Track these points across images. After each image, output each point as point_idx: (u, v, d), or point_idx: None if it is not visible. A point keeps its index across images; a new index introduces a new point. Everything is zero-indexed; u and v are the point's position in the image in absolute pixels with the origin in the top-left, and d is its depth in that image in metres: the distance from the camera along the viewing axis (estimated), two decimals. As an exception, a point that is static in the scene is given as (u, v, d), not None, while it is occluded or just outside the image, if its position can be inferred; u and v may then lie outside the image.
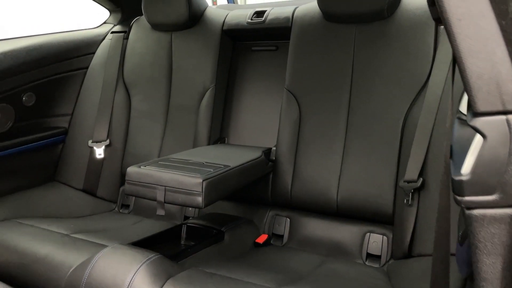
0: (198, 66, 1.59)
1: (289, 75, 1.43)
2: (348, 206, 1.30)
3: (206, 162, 1.24)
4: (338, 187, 1.31)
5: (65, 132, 1.72)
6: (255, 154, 1.36)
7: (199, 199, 1.08)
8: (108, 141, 1.67)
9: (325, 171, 1.33)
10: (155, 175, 1.14)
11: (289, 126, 1.41)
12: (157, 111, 1.65)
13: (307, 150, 1.37)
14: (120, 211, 1.66)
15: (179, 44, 1.64)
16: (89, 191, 1.67)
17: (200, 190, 1.08)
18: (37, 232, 1.29)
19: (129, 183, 1.18)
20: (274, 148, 1.44)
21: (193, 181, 1.09)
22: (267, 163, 1.40)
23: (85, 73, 1.75)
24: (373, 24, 1.32)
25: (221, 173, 1.15)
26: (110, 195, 1.68)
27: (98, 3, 1.82)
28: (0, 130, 1.51)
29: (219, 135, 1.59)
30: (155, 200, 1.14)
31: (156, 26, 1.67)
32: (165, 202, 1.13)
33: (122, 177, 1.68)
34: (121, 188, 1.69)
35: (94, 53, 1.77)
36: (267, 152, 1.44)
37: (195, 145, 1.56)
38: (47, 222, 1.40)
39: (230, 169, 1.20)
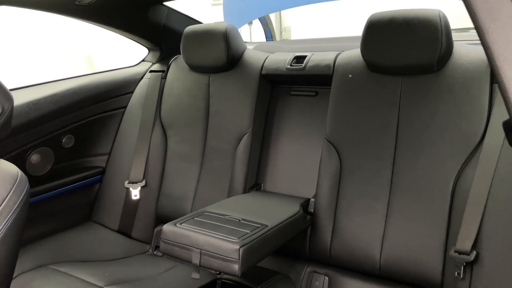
0: (235, 110, 1.56)
1: (330, 125, 1.37)
2: (392, 269, 1.22)
3: (243, 219, 1.20)
4: (381, 248, 1.24)
5: (103, 172, 1.73)
6: (293, 209, 1.31)
7: (236, 267, 1.04)
8: (144, 182, 1.66)
9: (367, 230, 1.27)
10: (191, 236, 1.11)
11: (329, 178, 1.35)
12: (193, 153, 1.63)
13: (348, 207, 1.31)
14: (154, 253, 1.64)
15: (216, 86, 1.62)
16: (124, 232, 1.67)
17: (237, 257, 1.04)
18: (70, 282, 1.28)
19: (165, 242, 1.16)
20: (313, 200, 1.39)
21: (230, 247, 1.05)
22: (305, 217, 1.35)
23: (124, 112, 1.76)
24: (421, 76, 1.25)
25: (259, 236, 1.11)
26: (144, 237, 1.68)
27: (137, 42, 1.83)
28: (40, 173, 1.53)
29: (255, 181, 1.55)
30: (190, 262, 1.11)
31: (194, 68, 1.66)
32: (200, 265, 1.10)
33: (157, 219, 1.67)
34: (155, 230, 1.68)
35: (132, 92, 1.78)
36: (305, 204, 1.38)
37: (230, 190, 1.53)
38: (82, 268, 1.40)
39: (268, 230, 1.15)
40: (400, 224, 1.22)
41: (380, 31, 1.25)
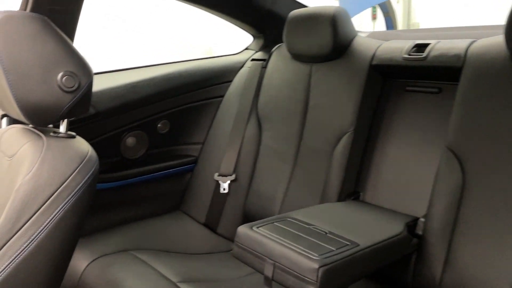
0: (337, 105, 1.36)
1: (454, 131, 1.10)
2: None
3: (331, 233, 1.01)
4: (511, 294, 0.94)
5: (195, 161, 1.68)
6: (396, 227, 1.08)
7: (312, 290, 0.86)
8: (234, 176, 1.56)
9: (496, 267, 0.97)
10: (266, 245, 0.96)
11: (446, 196, 1.08)
12: (287, 151, 1.48)
13: (470, 234, 1.02)
14: (238, 252, 1.54)
15: (318, 78, 1.44)
16: (210, 226, 1.60)
17: (315, 278, 0.86)
18: (146, 273, 1.23)
19: (238, 245, 1.03)
20: (422, 220, 1.13)
21: (308, 265, 0.87)
22: (411, 240, 1.10)
23: (221, 101, 1.69)
24: None
25: (346, 257, 0.91)
26: (230, 233, 1.58)
27: (242, 28, 1.74)
28: (133, 156, 1.52)
29: (353, 189, 1.34)
30: (262, 273, 0.96)
31: (296, 56, 1.50)
32: (273, 279, 0.94)
33: (244, 216, 1.56)
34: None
35: (231, 81, 1.70)
36: (412, 223, 1.13)
37: (323, 196, 1.34)
38: (162, 258, 1.35)
39: (360, 250, 0.94)
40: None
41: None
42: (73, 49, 0.89)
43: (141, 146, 1.54)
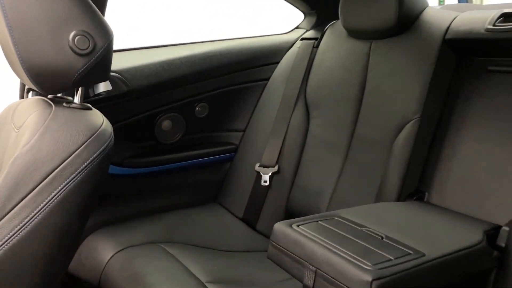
0: (400, 89, 1.15)
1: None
2: None
3: (387, 237, 0.82)
4: None
5: (235, 150, 1.53)
6: (472, 236, 0.86)
7: (363, 308, 0.68)
8: (276, 167, 1.40)
9: None
10: (306, 247, 0.79)
11: (539, 200, 0.85)
12: (338, 141, 1.29)
13: None
14: (278, 253, 1.37)
15: (379, 56, 1.23)
16: (249, 222, 1.44)
17: (367, 294, 0.68)
18: (173, 269, 1.10)
19: (273, 245, 0.86)
20: (506, 229, 0.90)
21: (358, 277, 0.69)
22: (491, 253, 0.88)
23: (265, 85, 1.52)
24: None
25: (407, 269, 0.72)
26: (269, 231, 1.40)
27: (293, 4, 1.57)
28: (168, 141, 1.40)
29: (416, 187, 1.12)
30: (301, 281, 0.79)
31: (352, 33, 1.31)
32: (313, 290, 0.77)
33: (287, 212, 1.39)
34: (283, 226, 1.40)
35: (278, 62, 1.53)
36: (493, 232, 0.91)
37: (380, 194, 1.14)
38: (193, 254, 1.21)
39: (425, 262, 0.75)
40: None
41: None
42: (89, 6, 0.77)
43: (177, 131, 1.41)
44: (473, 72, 1.10)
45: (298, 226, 0.86)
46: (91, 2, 0.78)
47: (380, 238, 0.82)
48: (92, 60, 0.75)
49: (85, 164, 0.69)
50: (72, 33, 0.73)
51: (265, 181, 1.41)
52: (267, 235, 1.41)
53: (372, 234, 0.84)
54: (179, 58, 1.35)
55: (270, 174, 1.40)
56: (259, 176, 1.42)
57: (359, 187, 1.20)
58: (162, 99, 1.35)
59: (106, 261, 1.17)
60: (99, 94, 1.21)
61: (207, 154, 1.47)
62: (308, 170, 1.35)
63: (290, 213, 1.38)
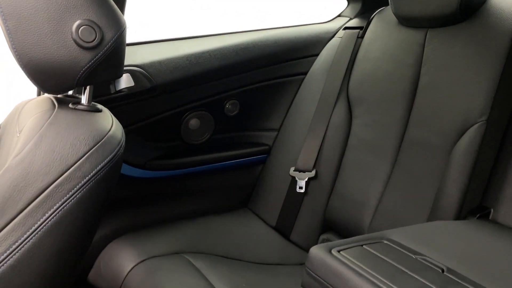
0: (462, 85, 0.98)
1: None
2: None
3: (449, 270, 0.67)
4: None
5: (268, 152, 1.40)
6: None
7: None
8: (313, 172, 1.25)
9: None
10: (349, 280, 0.65)
11: None
12: (385, 144, 1.13)
13: None
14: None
15: (435, 47, 1.06)
16: (282, 231, 1.31)
17: None
18: (195, 285, 0.99)
19: (309, 273, 0.73)
20: None
21: (416, 329, 0.55)
22: None
23: (303, 79, 1.38)
24: None
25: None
26: (306, 243, 1.28)
27: (335, -10, 1.41)
28: (196, 141, 1.29)
29: (479, 202, 0.95)
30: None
31: (405, 20, 1.14)
32: (356, 335, 0.63)
33: (324, 222, 1.25)
34: (321, 237, 1.26)
35: (318, 55, 1.38)
36: None
37: (435, 210, 0.97)
38: (219, 267, 1.10)
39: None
40: None
41: None
42: None
43: (206, 130, 1.30)
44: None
45: (339, 251, 0.72)
46: None
47: (440, 271, 0.67)
48: (100, 55, 0.64)
49: (87, 178, 0.59)
50: (76, 23, 0.63)
51: (300, 187, 1.27)
52: (301, 246, 1.28)
53: (430, 265, 0.68)
54: (208, 50, 1.23)
55: (306, 179, 1.27)
56: (294, 181, 1.29)
57: (410, 199, 1.04)
58: (189, 95, 1.23)
59: (127, 272, 1.07)
60: (121, 90, 1.12)
61: (238, 156, 1.35)
62: (349, 176, 1.20)
63: (328, 223, 1.24)
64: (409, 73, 1.11)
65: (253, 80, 1.31)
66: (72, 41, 0.63)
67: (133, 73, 1.11)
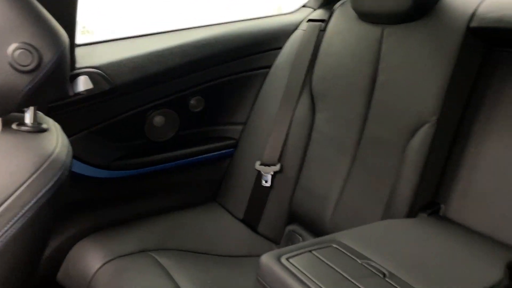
0: (416, 83, 1.00)
1: None
2: None
3: (391, 275, 0.70)
4: None
5: (235, 145, 1.41)
6: (489, 273, 0.73)
7: None
8: (278, 166, 1.27)
9: None
10: (293, 290, 0.68)
11: None
12: (346, 140, 1.15)
13: None
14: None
15: (392, 44, 1.07)
16: (249, 223, 1.34)
17: None
18: (159, 285, 1.02)
19: (260, 281, 0.76)
20: (534, 260, 0.77)
21: None
22: (513, 290, 0.75)
23: (267, 73, 1.38)
24: None
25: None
26: (272, 234, 1.32)
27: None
28: (161, 139, 1.29)
29: (430, 198, 0.99)
30: (288, 328, 0.69)
31: (363, 16, 1.14)
32: None
33: (290, 215, 1.28)
34: (287, 228, 1.30)
35: (281, 48, 1.37)
36: (517, 263, 0.78)
37: (389, 204, 1.01)
38: (186, 264, 1.13)
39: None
40: None
41: None
42: (36, 11, 0.64)
43: (170, 127, 1.30)
44: (503, 66, 0.93)
45: (287, 259, 0.75)
46: (38, 5, 0.66)
47: (381, 276, 0.70)
48: (39, 77, 0.64)
49: (28, 206, 0.59)
50: (12, 47, 0.61)
51: (266, 181, 1.30)
52: (268, 237, 1.32)
53: (373, 270, 0.72)
54: (169, 48, 1.21)
55: (271, 173, 1.29)
56: (260, 175, 1.31)
57: (368, 194, 1.07)
58: (152, 94, 1.23)
59: (93, 273, 1.10)
60: (79, 93, 1.11)
61: (205, 151, 1.36)
62: (313, 171, 1.22)
63: (293, 215, 1.27)
64: (368, 70, 1.12)
65: (216, 76, 1.31)
66: (9, 65, 0.62)
67: (91, 75, 1.09)
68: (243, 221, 1.35)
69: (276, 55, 1.37)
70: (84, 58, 1.13)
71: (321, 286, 0.67)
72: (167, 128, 1.29)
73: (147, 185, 1.29)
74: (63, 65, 0.67)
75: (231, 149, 1.40)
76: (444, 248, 0.81)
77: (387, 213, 1.00)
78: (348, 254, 0.76)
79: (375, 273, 0.71)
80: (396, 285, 0.68)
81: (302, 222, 1.25)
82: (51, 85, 0.67)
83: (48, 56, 0.64)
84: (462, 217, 0.93)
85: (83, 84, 1.11)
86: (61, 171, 0.64)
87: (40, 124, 0.71)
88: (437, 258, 0.77)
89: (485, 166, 0.92)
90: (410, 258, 0.76)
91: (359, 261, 0.74)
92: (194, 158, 1.35)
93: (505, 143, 0.90)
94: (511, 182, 0.87)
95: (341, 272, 0.71)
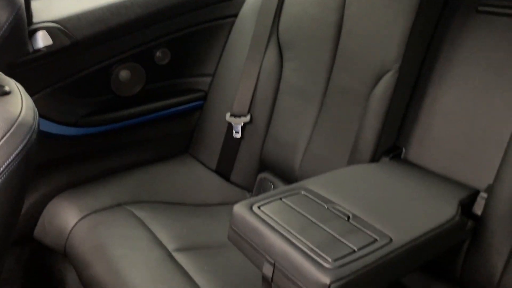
0: (379, 31, 1.01)
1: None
2: None
3: (354, 217, 0.76)
4: None
5: (205, 97, 1.41)
6: (446, 209, 0.80)
7: (320, 311, 0.63)
8: (248, 117, 1.30)
9: None
10: (265, 237, 0.72)
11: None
12: (312, 89, 1.18)
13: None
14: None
15: (357, -8, 1.07)
16: (222, 173, 1.38)
17: (325, 297, 0.63)
18: (137, 237, 1.06)
19: (233, 229, 0.80)
20: (484, 195, 0.84)
21: (315, 277, 0.63)
22: (465, 224, 0.83)
23: (233, 22, 1.36)
24: None
25: (371, 263, 0.66)
26: (245, 182, 1.36)
27: None
28: (128, 94, 1.28)
29: (392, 142, 1.04)
30: (260, 270, 0.74)
31: (328, -39, 1.12)
32: (272, 281, 0.72)
33: (261, 163, 1.32)
34: (259, 176, 1.34)
35: (247, -5, 1.34)
36: (469, 200, 0.85)
37: (354, 150, 1.05)
38: (161, 215, 1.17)
39: (392, 251, 0.69)
40: None
41: None
42: None
43: (137, 81, 1.28)
44: (460, 13, 0.95)
45: (259, 207, 0.79)
46: None
47: (346, 219, 0.76)
48: None
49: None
50: None
51: (236, 132, 1.32)
52: (242, 186, 1.36)
53: (338, 213, 0.77)
54: (129, -1, 1.17)
55: (242, 124, 1.31)
56: (231, 126, 1.33)
57: (334, 142, 1.11)
58: (115, 47, 1.20)
59: (71, 228, 1.12)
60: (39, 50, 1.07)
61: (174, 104, 1.36)
62: (282, 121, 1.25)
63: (264, 164, 1.31)
64: (334, 18, 1.12)
65: (181, 26, 1.28)
66: None
67: (49, 30, 1.05)
68: (216, 171, 1.39)
69: (242, 3, 1.34)
70: (42, 12, 1.08)
71: (290, 230, 0.72)
72: (134, 82, 1.28)
73: (119, 140, 1.29)
74: (20, 25, 0.65)
75: (201, 101, 1.41)
76: (403, 189, 0.87)
77: (352, 159, 1.05)
78: (315, 199, 0.81)
79: (340, 216, 0.76)
80: (359, 226, 0.73)
81: (273, 170, 1.30)
82: (9, 46, 0.65)
83: (4, 17, 0.62)
84: (421, 160, 0.99)
85: (42, 39, 1.08)
86: (29, 134, 0.64)
87: (2, 86, 0.70)
88: (397, 199, 0.83)
89: (441, 110, 0.97)
90: (372, 200, 0.82)
91: (325, 205, 0.79)
92: (164, 111, 1.34)
93: (462, 90, 0.95)
94: (465, 125, 0.93)
95: (309, 217, 0.76)
